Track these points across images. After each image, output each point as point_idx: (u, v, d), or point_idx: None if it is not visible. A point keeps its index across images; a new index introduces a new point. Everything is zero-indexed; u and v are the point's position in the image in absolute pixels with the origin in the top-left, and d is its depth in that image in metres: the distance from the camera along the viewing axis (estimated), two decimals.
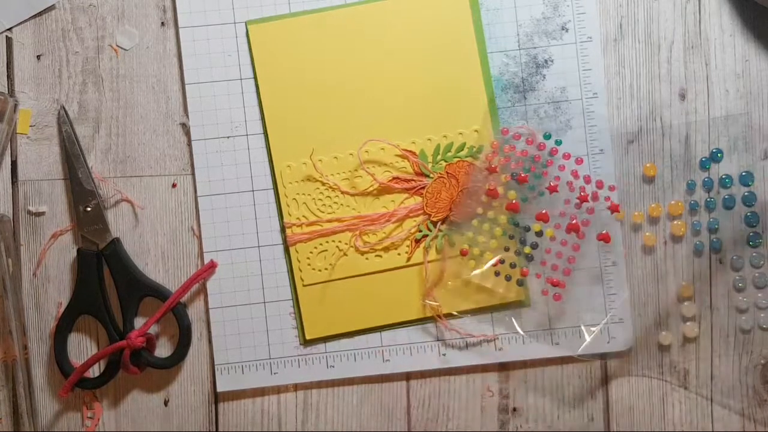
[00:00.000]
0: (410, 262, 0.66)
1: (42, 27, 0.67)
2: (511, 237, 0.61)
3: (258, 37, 0.67)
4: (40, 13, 0.67)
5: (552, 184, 0.58)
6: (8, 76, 0.67)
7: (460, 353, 0.67)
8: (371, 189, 0.67)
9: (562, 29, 0.67)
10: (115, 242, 0.66)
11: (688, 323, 0.67)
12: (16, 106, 0.66)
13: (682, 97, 0.67)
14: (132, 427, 0.67)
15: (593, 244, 0.62)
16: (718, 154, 0.67)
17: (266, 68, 0.67)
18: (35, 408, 0.66)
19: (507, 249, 0.61)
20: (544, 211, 0.61)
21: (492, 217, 0.59)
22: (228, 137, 0.67)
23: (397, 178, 0.67)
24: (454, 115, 0.67)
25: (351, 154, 0.66)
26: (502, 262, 0.61)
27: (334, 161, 0.67)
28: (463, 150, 0.67)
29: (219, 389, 0.67)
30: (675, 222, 0.67)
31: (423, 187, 0.66)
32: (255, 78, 0.67)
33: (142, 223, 0.67)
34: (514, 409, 0.67)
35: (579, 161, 0.58)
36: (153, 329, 0.67)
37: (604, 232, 0.60)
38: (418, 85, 0.67)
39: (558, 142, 0.60)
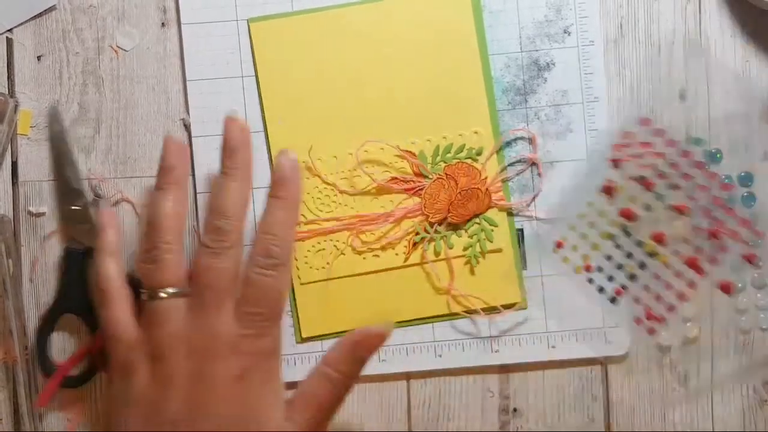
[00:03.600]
0: (407, 263, 0.66)
1: (42, 28, 0.67)
2: (618, 246, 0.51)
3: (260, 35, 0.67)
4: (40, 14, 0.67)
5: (683, 203, 0.46)
6: (8, 77, 0.67)
7: (456, 354, 0.67)
8: (370, 189, 0.67)
9: (565, 32, 0.67)
10: None
11: (687, 324, 0.67)
12: (16, 106, 0.66)
13: (682, 97, 0.67)
14: None
15: (708, 287, 0.51)
16: (718, 155, 0.67)
17: (267, 66, 0.67)
18: (35, 408, 0.66)
19: (609, 258, 0.52)
20: (661, 231, 0.50)
21: (600, 215, 0.49)
22: None
23: (396, 178, 0.67)
24: (454, 117, 0.67)
25: (350, 153, 0.66)
26: (599, 269, 0.52)
27: (333, 160, 0.67)
28: (462, 151, 0.67)
29: None
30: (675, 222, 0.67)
31: (422, 188, 0.66)
32: (256, 76, 0.67)
33: (142, 223, 0.67)
34: (515, 410, 0.68)
35: (725, 187, 0.45)
36: None
37: (726, 280, 0.48)
38: (419, 85, 0.67)
39: (710, 155, 0.46)
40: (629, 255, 0.45)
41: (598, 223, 0.45)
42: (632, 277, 0.48)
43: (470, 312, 0.67)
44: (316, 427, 0.55)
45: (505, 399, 0.67)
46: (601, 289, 0.49)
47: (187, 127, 0.67)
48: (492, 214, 0.67)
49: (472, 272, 0.67)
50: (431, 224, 0.66)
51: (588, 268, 0.46)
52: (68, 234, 0.66)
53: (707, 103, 0.67)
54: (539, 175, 0.67)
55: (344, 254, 0.66)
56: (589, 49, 0.67)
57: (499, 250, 0.67)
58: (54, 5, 0.67)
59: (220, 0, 0.67)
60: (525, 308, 0.67)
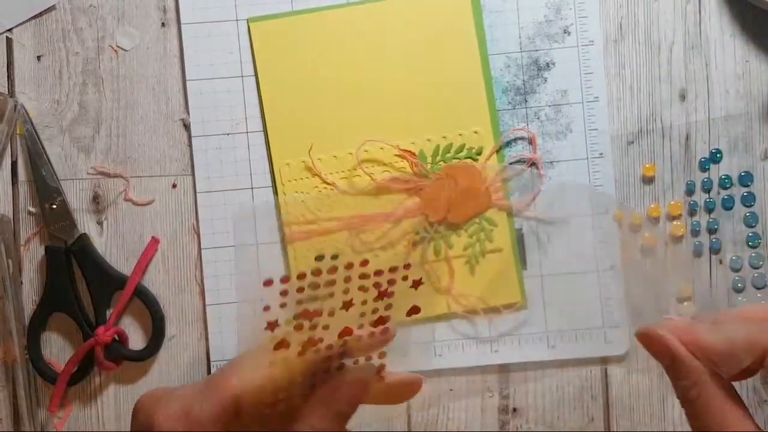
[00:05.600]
0: (407, 263, 0.66)
1: (42, 28, 0.67)
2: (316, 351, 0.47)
3: (260, 34, 0.67)
4: (40, 14, 0.67)
5: (345, 300, 0.45)
6: (8, 77, 0.67)
7: (456, 354, 0.67)
8: (369, 189, 0.67)
9: (564, 32, 0.67)
10: (83, 238, 0.66)
11: None
12: (16, 106, 0.66)
13: (682, 97, 0.67)
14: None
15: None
16: (718, 155, 0.67)
17: (267, 66, 0.67)
18: (35, 408, 0.66)
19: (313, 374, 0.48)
20: (345, 327, 0.47)
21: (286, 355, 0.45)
22: (228, 134, 0.67)
23: (396, 178, 0.67)
24: (454, 116, 0.67)
25: (350, 153, 0.66)
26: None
27: (333, 160, 0.67)
28: (462, 151, 0.67)
29: None
30: (674, 222, 0.67)
31: (421, 188, 0.66)
32: (256, 76, 0.67)
33: (142, 223, 0.67)
34: (514, 410, 0.68)
35: (364, 263, 0.44)
36: (131, 323, 0.68)
37: (411, 307, 0.48)
38: (419, 85, 0.67)
39: (334, 257, 0.45)
40: (327, 359, 0.46)
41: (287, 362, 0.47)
42: (340, 367, 0.49)
43: (470, 312, 0.67)
44: None
45: (505, 399, 0.67)
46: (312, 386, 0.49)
47: (186, 127, 0.67)
48: (492, 214, 0.67)
49: (472, 272, 0.67)
50: (431, 224, 0.66)
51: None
52: (49, 233, 0.66)
53: (707, 103, 0.68)
54: (539, 175, 0.67)
55: (344, 254, 0.66)
56: (588, 49, 0.67)
57: (499, 250, 0.67)
58: (54, 5, 0.67)
59: (220, 0, 0.67)
60: (525, 308, 0.67)
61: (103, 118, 0.67)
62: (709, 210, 0.67)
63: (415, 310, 0.49)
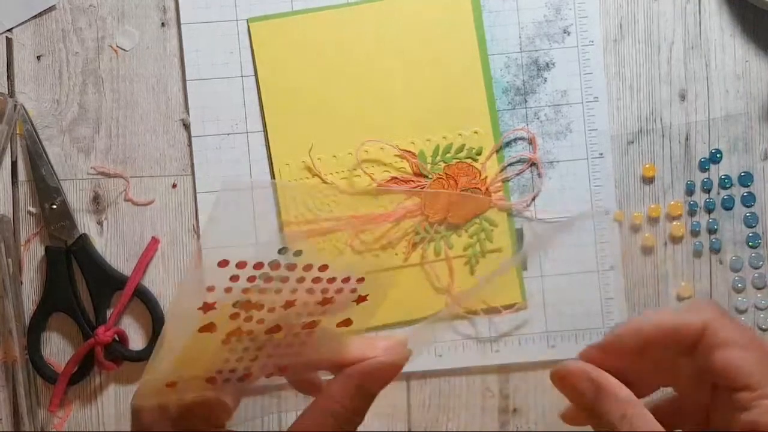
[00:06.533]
0: (407, 263, 0.66)
1: (42, 27, 0.67)
2: (233, 350, 0.44)
3: (259, 34, 0.67)
4: (40, 14, 0.67)
5: (288, 299, 0.43)
6: (8, 77, 0.67)
7: (456, 354, 0.67)
8: (369, 188, 0.67)
9: (564, 32, 0.67)
10: (83, 238, 0.66)
11: None
12: (16, 106, 0.66)
13: (682, 97, 0.67)
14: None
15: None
16: (718, 155, 0.67)
17: (267, 66, 0.67)
18: (35, 408, 0.66)
19: (227, 361, 0.45)
20: (275, 324, 0.45)
21: (209, 340, 0.43)
22: (228, 134, 0.67)
23: (396, 178, 0.67)
24: (453, 117, 0.67)
25: (350, 153, 0.66)
26: (219, 372, 0.45)
27: (333, 160, 0.67)
28: (462, 151, 0.67)
29: None
30: (674, 223, 0.67)
31: (422, 188, 0.66)
32: (256, 76, 0.67)
33: (142, 223, 0.67)
34: (515, 410, 0.68)
35: (323, 268, 0.43)
36: (131, 323, 0.68)
37: (343, 319, 0.46)
38: (419, 85, 0.67)
39: (297, 254, 0.44)
40: (246, 349, 0.45)
41: (211, 350, 0.44)
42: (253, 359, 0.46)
43: (470, 312, 0.67)
44: None
45: (505, 399, 0.67)
46: (227, 381, 0.46)
47: (186, 127, 0.67)
48: (492, 214, 0.67)
49: (472, 272, 0.67)
50: (431, 224, 0.66)
51: (210, 379, 0.45)
52: (49, 233, 0.66)
53: (707, 103, 0.68)
54: (539, 175, 0.67)
55: (344, 254, 0.66)
56: (588, 49, 0.67)
57: (498, 250, 0.67)
58: (54, 5, 0.67)
59: (219, 0, 0.67)
60: (525, 308, 0.67)
61: (102, 118, 0.67)
62: (709, 210, 0.67)
63: (347, 322, 0.47)
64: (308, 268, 0.43)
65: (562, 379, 0.45)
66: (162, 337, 0.44)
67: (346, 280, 0.45)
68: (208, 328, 0.42)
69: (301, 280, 0.43)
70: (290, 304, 0.44)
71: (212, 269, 0.41)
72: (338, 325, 0.47)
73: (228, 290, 0.41)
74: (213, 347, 0.43)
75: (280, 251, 0.43)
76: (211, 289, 0.41)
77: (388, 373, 0.47)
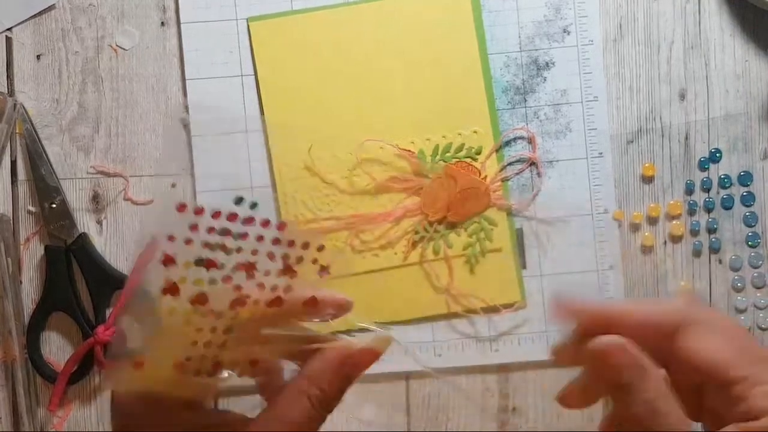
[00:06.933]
0: (407, 262, 0.66)
1: (42, 27, 0.67)
2: (199, 330, 0.43)
3: (259, 34, 0.67)
4: (39, 13, 0.67)
5: (250, 261, 0.42)
6: (8, 76, 0.67)
7: (455, 354, 0.67)
8: (369, 188, 0.67)
9: (564, 32, 0.67)
10: (83, 237, 0.66)
11: None
12: (15, 105, 0.66)
13: (682, 97, 0.68)
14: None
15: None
16: (717, 154, 0.67)
17: (267, 66, 0.67)
18: (34, 407, 0.66)
19: (195, 343, 0.44)
20: (239, 296, 0.43)
21: (174, 313, 0.41)
22: (228, 134, 0.67)
23: (396, 177, 0.67)
24: (453, 116, 0.67)
25: (350, 153, 0.66)
26: (188, 359, 0.43)
27: (332, 159, 0.67)
28: (461, 151, 0.67)
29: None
30: (674, 222, 0.67)
31: (421, 187, 0.66)
32: (255, 75, 0.67)
33: (141, 223, 0.67)
34: (514, 409, 0.67)
35: (281, 227, 0.42)
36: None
37: (308, 297, 0.44)
38: (418, 84, 0.67)
39: (253, 206, 0.43)
40: (213, 329, 0.43)
41: (173, 323, 0.42)
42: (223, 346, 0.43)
43: (470, 311, 0.67)
44: None
45: (505, 398, 0.67)
46: (197, 372, 0.44)
47: (186, 126, 0.67)
48: (491, 213, 0.67)
49: (471, 272, 0.67)
50: (430, 223, 0.66)
51: (179, 365, 0.43)
52: (48, 232, 0.66)
53: (707, 103, 0.68)
54: (538, 174, 0.67)
55: (343, 253, 0.66)
56: (588, 49, 0.67)
57: (498, 250, 0.67)
58: (53, 4, 0.67)
59: (219, 0, 0.67)
60: (524, 308, 0.67)
61: (102, 117, 0.67)
62: (709, 209, 0.67)
63: (311, 302, 0.44)
64: (266, 224, 0.42)
65: (609, 353, 0.44)
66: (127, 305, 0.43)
67: (306, 245, 0.43)
68: (171, 290, 0.40)
69: (260, 238, 0.42)
70: (251, 268, 0.42)
71: (172, 215, 0.40)
72: (304, 305, 0.44)
73: (188, 242, 0.40)
74: (179, 323, 0.42)
75: (235, 201, 0.42)
76: (171, 238, 0.40)
77: (366, 357, 0.46)
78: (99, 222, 0.67)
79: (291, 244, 0.43)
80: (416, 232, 0.66)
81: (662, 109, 0.67)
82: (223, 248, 0.41)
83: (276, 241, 0.43)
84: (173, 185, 0.67)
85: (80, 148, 0.67)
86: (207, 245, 0.41)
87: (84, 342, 0.65)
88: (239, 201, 0.42)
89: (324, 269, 0.44)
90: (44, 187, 0.66)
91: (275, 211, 0.67)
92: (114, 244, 0.67)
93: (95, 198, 0.67)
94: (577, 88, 0.67)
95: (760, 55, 0.68)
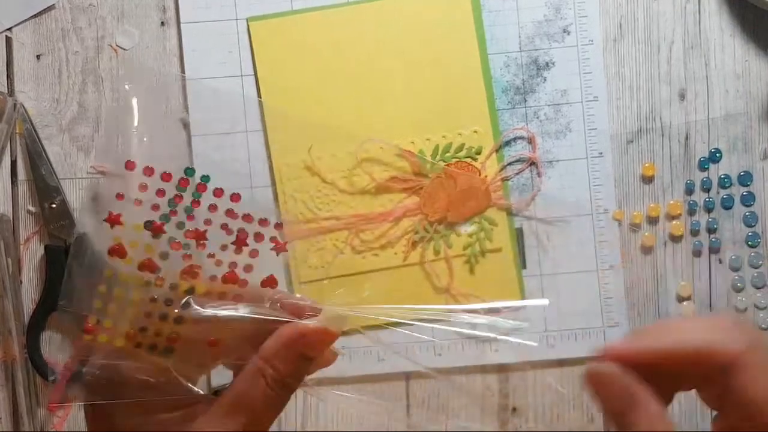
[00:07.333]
0: (407, 262, 0.66)
1: (42, 27, 0.67)
2: (153, 300, 0.42)
3: (259, 34, 0.67)
4: (39, 13, 0.67)
5: (200, 230, 0.41)
6: (8, 76, 0.67)
7: (455, 354, 0.67)
8: (369, 188, 0.67)
9: (564, 32, 0.67)
10: (83, 237, 0.66)
11: None
12: (15, 105, 0.66)
13: (682, 97, 0.68)
14: None
15: (257, 290, 0.46)
16: (717, 154, 0.67)
17: (267, 65, 0.67)
18: (35, 407, 0.66)
19: (149, 315, 0.43)
20: (191, 264, 0.43)
21: (124, 278, 0.41)
22: (228, 134, 0.67)
23: (396, 177, 0.67)
24: (453, 116, 0.67)
25: (350, 153, 0.66)
26: (142, 329, 0.42)
27: (332, 159, 0.67)
28: (462, 151, 0.67)
29: (213, 385, 0.67)
30: (674, 222, 0.67)
31: (421, 187, 0.66)
32: (255, 75, 0.67)
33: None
34: (514, 409, 0.68)
35: (235, 198, 0.42)
36: None
37: (267, 276, 0.44)
38: (418, 84, 0.67)
39: (205, 178, 0.42)
40: (167, 301, 0.41)
41: (123, 289, 0.41)
42: (179, 320, 0.42)
43: (469, 311, 0.67)
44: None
45: (505, 398, 0.67)
46: (152, 347, 0.43)
47: (186, 126, 0.67)
48: (491, 213, 0.67)
49: (471, 271, 0.67)
50: (430, 223, 0.66)
51: (132, 336, 0.41)
52: (48, 232, 0.66)
53: (707, 103, 0.68)
54: (539, 174, 0.67)
55: (343, 253, 0.66)
56: (588, 49, 0.67)
57: (498, 250, 0.67)
58: (53, 4, 0.67)
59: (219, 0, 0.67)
60: (524, 308, 0.67)
61: (102, 117, 0.67)
62: (709, 209, 0.67)
63: (271, 280, 0.43)
64: (219, 193, 0.41)
65: (596, 381, 0.42)
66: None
67: (264, 222, 0.42)
68: (118, 251, 0.39)
69: (213, 208, 0.41)
70: (201, 237, 0.41)
71: (119, 171, 0.39)
72: (263, 284, 0.44)
73: (138, 203, 0.39)
74: (128, 288, 0.41)
75: (186, 171, 0.41)
76: (120, 196, 0.39)
77: (323, 336, 0.45)
78: (99, 222, 0.67)
79: (247, 218, 0.42)
80: (416, 232, 0.66)
81: (662, 109, 0.67)
82: (173, 213, 0.40)
83: (230, 213, 0.42)
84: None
85: (80, 148, 0.67)
86: (155, 208, 0.40)
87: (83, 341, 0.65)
88: (190, 172, 0.41)
89: (280, 246, 0.43)
90: (44, 187, 0.66)
91: (275, 211, 0.67)
92: None
93: (95, 198, 0.67)
94: (577, 88, 0.67)
95: (760, 55, 0.68)
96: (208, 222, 0.41)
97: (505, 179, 0.67)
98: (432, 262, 0.66)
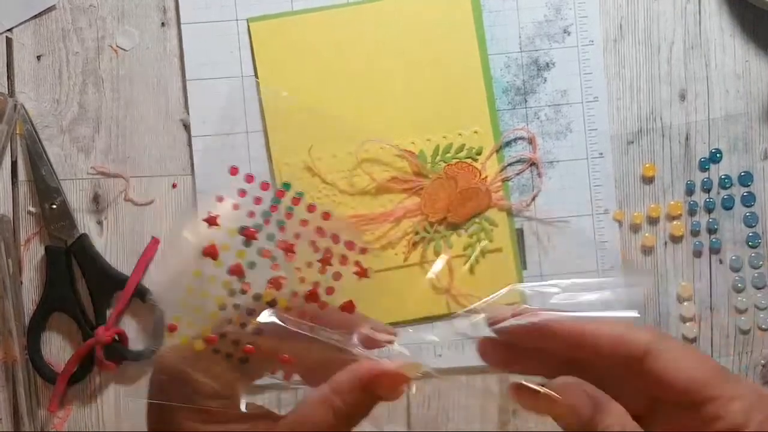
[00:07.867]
0: (407, 263, 0.66)
1: (42, 27, 0.67)
2: (236, 307, 0.43)
3: (260, 34, 0.67)
4: (40, 14, 0.67)
5: (290, 243, 0.42)
6: (8, 77, 0.67)
7: (455, 354, 0.67)
8: (369, 188, 0.67)
9: (564, 32, 0.67)
10: (83, 238, 0.66)
11: (687, 324, 0.67)
12: (16, 106, 0.66)
13: (682, 97, 0.68)
14: (131, 425, 0.67)
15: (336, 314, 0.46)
16: (718, 155, 0.67)
17: (267, 66, 0.67)
18: (35, 408, 0.66)
19: (230, 321, 0.43)
20: (277, 276, 0.43)
21: (212, 280, 0.42)
22: (228, 134, 0.67)
23: (396, 178, 0.67)
24: (453, 116, 0.67)
25: (350, 153, 0.66)
26: (222, 336, 0.42)
27: (332, 160, 0.67)
28: (462, 151, 0.67)
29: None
30: (674, 222, 0.67)
31: (421, 188, 0.66)
32: (256, 75, 0.67)
33: (141, 223, 0.67)
34: (514, 410, 0.67)
35: (326, 216, 0.42)
36: (131, 323, 0.68)
37: (346, 301, 0.44)
38: (419, 85, 0.67)
39: (299, 194, 0.43)
40: (250, 311, 0.41)
41: (209, 290, 0.41)
42: (257, 332, 0.42)
43: (469, 311, 0.67)
44: None
45: (505, 398, 0.67)
46: (229, 355, 0.43)
47: (186, 127, 0.67)
48: (492, 213, 0.67)
49: (471, 272, 0.67)
50: (431, 224, 0.66)
51: (211, 341, 0.41)
52: (49, 232, 0.66)
53: (707, 103, 0.68)
54: (539, 174, 0.67)
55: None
56: (588, 49, 0.67)
57: (498, 250, 0.67)
58: (54, 5, 0.67)
59: (219, 0, 0.67)
60: None
61: (102, 117, 0.67)
62: (709, 210, 0.67)
63: (349, 306, 0.44)
64: (312, 208, 0.42)
65: (554, 401, 0.44)
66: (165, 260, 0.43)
67: (351, 245, 0.42)
68: (212, 252, 0.40)
69: (304, 222, 0.42)
70: (290, 250, 0.42)
71: (223, 176, 0.41)
72: (341, 308, 0.44)
73: (236, 207, 0.40)
74: (214, 290, 0.42)
75: (284, 184, 0.42)
76: (220, 199, 0.40)
77: (395, 379, 0.46)
78: (99, 223, 0.67)
79: (335, 238, 0.42)
80: (416, 233, 0.66)
81: (662, 109, 0.67)
82: (267, 222, 0.41)
83: (320, 231, 0.42)
84: (174, 186, 0.67)
85: (81, 148, 0.67)
86: (251, 215, 0.41)
87: (84, 342, 0.65)
88: (287, 185, 0.42)
89: (362, 271, 0.44)
90: (45, 188, 0.66)
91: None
92: (114, 244, 0.67)
93: (96, 199, 0.67)
94: (577, 88, 0.67)
95: (760, 55, 0.68)
96: (297, 236, 0.42)
97: (506, 180, 0.67)
98: (432, 262, 0.66)
